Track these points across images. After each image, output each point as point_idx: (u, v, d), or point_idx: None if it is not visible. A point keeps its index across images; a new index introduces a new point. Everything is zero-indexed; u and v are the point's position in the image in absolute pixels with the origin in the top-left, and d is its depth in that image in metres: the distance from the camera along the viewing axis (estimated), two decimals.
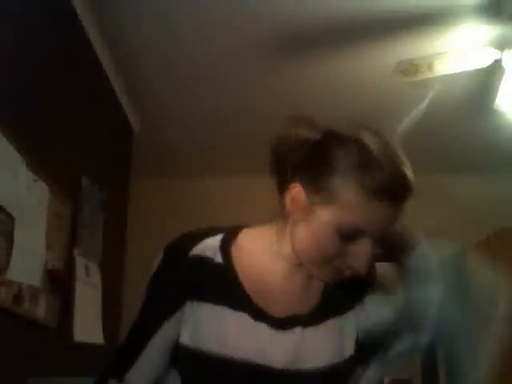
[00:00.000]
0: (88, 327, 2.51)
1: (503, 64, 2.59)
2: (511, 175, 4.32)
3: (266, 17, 2.67)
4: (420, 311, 0.95)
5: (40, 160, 2.01)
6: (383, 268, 1.04)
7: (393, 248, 0.99)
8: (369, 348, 0.98)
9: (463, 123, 3.63)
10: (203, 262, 0.95)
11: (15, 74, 1.91)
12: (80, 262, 2.43)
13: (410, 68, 2.59)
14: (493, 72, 2.78)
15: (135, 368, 0.94)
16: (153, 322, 0.95)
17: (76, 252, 2.40)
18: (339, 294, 1.00)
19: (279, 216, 0.98)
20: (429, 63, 2.56)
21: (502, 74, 2.64)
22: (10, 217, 1.77)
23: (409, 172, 0.89)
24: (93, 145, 2.76)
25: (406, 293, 0.97)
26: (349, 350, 0.98)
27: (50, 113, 2.21)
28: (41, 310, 2.01)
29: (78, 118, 2.55)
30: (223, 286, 0.95)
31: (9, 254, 1.75)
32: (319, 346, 0.96)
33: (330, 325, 0.98)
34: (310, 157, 0.92)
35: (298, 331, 0.95)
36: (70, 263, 2.33)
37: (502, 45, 2.59)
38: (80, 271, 2.42)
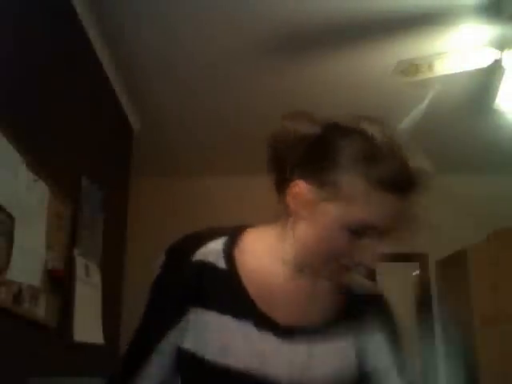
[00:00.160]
0: (88, 327, 2.51)
1: (503, 64, 2.59)
2: (511, 175, 4.32)
3: (266, 17, 2.67)
4: None
5: (40, 160, 2.01)
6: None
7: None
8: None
9: (463, 123, 3.63)
10: (206, 267, 0.93)
11: (15, 74, 1.91)
12: (80, 262, 2.43)
13: (410, 68, 2.59)
14: (493, 72, 2.78)
15: (141, 378, 0.92)
16: (157, 332, 0.93)
17: (76, 252, 2.40)
18: (358, 313, 0.96)
19: (281, 215, 0.95)
20: (429, 63, 2.56)
21: (502, 74, 2.64)
22: (10, 217, 1.77)
23: (418, 162, 0.86)
24: (93, 145, 2.76)
25: None
26: (354, 371, 0.95)
27: (50, 113, 2.21)
28: (41, 310, 2.01)
29: (78, 118, 2.55)
30: (227, 292, 0.92)
31: (9, 254, 1.74)
32: (327, 362, 0.92)
33: (343, 343, 0.94)
34: (311, 152, 0.89)
35: (305, 343, 0.91)
36: (70, 263, 2.33)
37: (502, 45, 2.59)
38: (80, 271, 2.42)
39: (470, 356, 3.76)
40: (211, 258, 0.93)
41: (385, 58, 2.92)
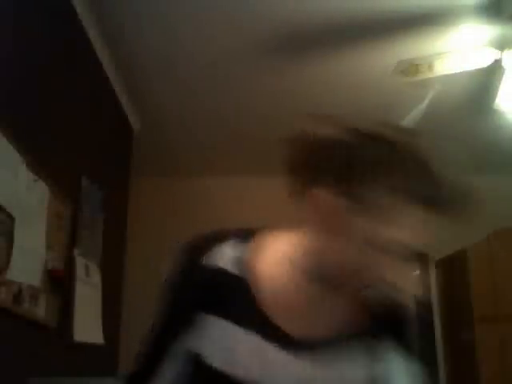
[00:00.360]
0: (88, 327, 2.51)
1: (503, 64, 2.59)
2: (511, 175, 4.32)
3: (266, 17, 2.67)
4: None
5: (40, 160, 2.01)
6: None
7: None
8: None
9: (463, 123, 3.63)
10: (217, 272, 0.89)
11: (15, 74, 1.91)
12: (80, 262, 2.43)
13: (410, 68, 2.59)
14: (493, 72, 2.78)
15: (154, 380, 0.90)
16: (169, 334, 0.91)
17: (76, 252, 2.40)
18: (375, 331, 0.90)
19: (298, 222, 0.89)
20: (429, 63, 2.56)
21: (502, 74, 2.64)
22: (10, 217, 1.77)
23: (458, 179, 0.79)
24: (93, 145, 2.76)
25: None
26: None
27: (50, 113, 2.21)
28: (41, 310, 2.01)
29: (78, 118, 2.55)
30: (237, 300, 0.88)
31: (9, 254, 1.74)
32: (337, 379, 0.87)
33: (355, 361, 0.88)
34: (338, 160, 0.81)
35: (316, 357, 0.86)
36: (70, 263, 2.33)
37: (502, 45, 2.59)
38: (80, 271, 2.42)
39: (469, 355, 3.76)
40: (222, 263, 0.90)
41: (385, 58, 2.92)
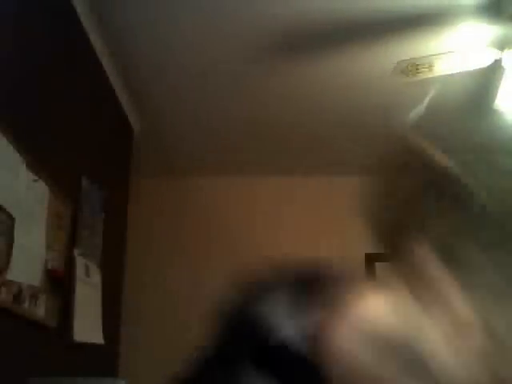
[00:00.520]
0: (88, 327, 2.51)
1: (503, 64, 2.58)
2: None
3: (267, 17, 2.67)
4: None
5: (40, 160, 2.01)
6: None
7: None
8: None
9: (463, 123, 3.62)
10: (284, 358, 0.65)
11: (15, 74, 1.91)
12: (80, 262, 2.43)
13: (410, 68, 2.59)
14: (493, 72, 2.78)
15: None
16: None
17: (76, 252, 2.40)
18: None
19: (392, 280, 0.63)
20: (429, 63, 2.56)
21: (502, 74, 2.64)
22: (10, 217, 1.77)
23: None
24: (93, 145, 2.76)
25: None
26: None
27: (50, 113, 2.21)
28: (41, 310, 2.01)
29: (78, 118, 2.55)
30: None
31: (9, 254, 1.75)
32: None
33: None
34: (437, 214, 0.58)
35: None
36: (70, 263, 2.33)
37: (502, 45, 2.59)
38: (80, 271, 2.42)
39: None
40: (292, 342, 0.65)
41: (385, 58, 2.92)
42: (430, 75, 2.63)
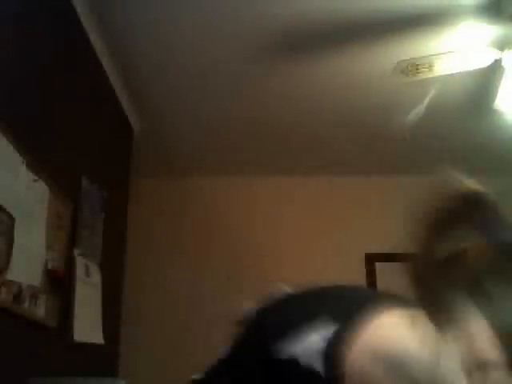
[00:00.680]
0: (88, 327, 2.52)
1: (503, 64, 2.59)
2: (511, 175, 4.32)
3: (267, 17, 2.67)
4: None
5: (40, 160, 2.02)
6: None
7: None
8: None
9: (463, 123, 3.63)
10: (294, 371, 0.64)
11: (15, 74, 1.91)
12: (80, 262, 2.43)
13: (410, 68, 2.59)
14: (493, 72, 2.78)
15: None
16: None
17: (76, 252, 2.40)
18: None
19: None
20: (429, 63, 2.56)
21: (502, 74, 2.64)
22: (10, 217, 1.77)
23: None
24: (93, 145, 2.76)
25: None
26: None
27: (50, 113, 2.21)
28: (41, 310, 2.01)
29: (78, 118, 2.55)
30: None
31: (9, 254, 1.75)
32: None
33: None
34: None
35: None
36: (70, 263, 2.33)
37: (502, 45, 2.59)
38: (80, 271, 2.42)
39: None
40: (304, 357, 0.63)
41: (385, 58, 2.92)
42: (430, 75, 2.63)
